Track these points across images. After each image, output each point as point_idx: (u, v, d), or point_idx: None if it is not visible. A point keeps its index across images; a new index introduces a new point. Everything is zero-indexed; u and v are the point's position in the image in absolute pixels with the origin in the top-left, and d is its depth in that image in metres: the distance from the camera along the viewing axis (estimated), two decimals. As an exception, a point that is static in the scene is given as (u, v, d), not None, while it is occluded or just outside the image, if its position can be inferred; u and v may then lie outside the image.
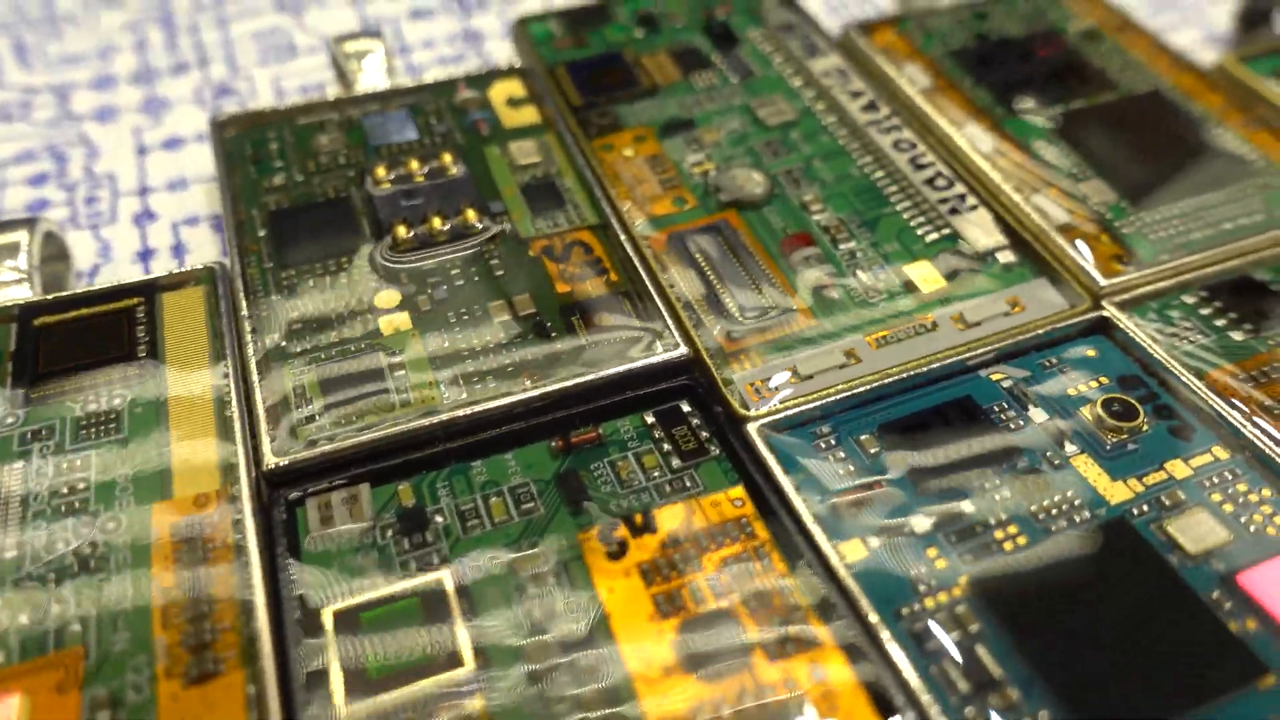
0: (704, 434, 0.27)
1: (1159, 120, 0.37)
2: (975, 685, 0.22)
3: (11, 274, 0.31)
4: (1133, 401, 0.27)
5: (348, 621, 0.23)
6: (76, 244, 0.35)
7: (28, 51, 0.43)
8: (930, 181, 0.35)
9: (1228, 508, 0.25)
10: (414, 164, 0.34)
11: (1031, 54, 0.40)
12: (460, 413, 0.27)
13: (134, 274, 0.34)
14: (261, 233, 0.32)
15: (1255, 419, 0.27)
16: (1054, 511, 0.25)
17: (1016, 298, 0.31)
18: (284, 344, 0.29)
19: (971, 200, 0.34)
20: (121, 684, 0.21)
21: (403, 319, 0.30)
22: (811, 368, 0.29)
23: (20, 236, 0.31)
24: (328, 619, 0.23)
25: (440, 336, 0.29)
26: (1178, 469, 0.26)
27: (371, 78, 0.39)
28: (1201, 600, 0.23)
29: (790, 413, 0.28)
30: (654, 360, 0.29)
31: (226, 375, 0.28)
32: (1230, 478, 0.26)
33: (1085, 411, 0.27)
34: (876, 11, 0.48)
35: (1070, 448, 0.27)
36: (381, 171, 0.34)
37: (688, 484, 0.26)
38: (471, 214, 0.33)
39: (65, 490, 0.25)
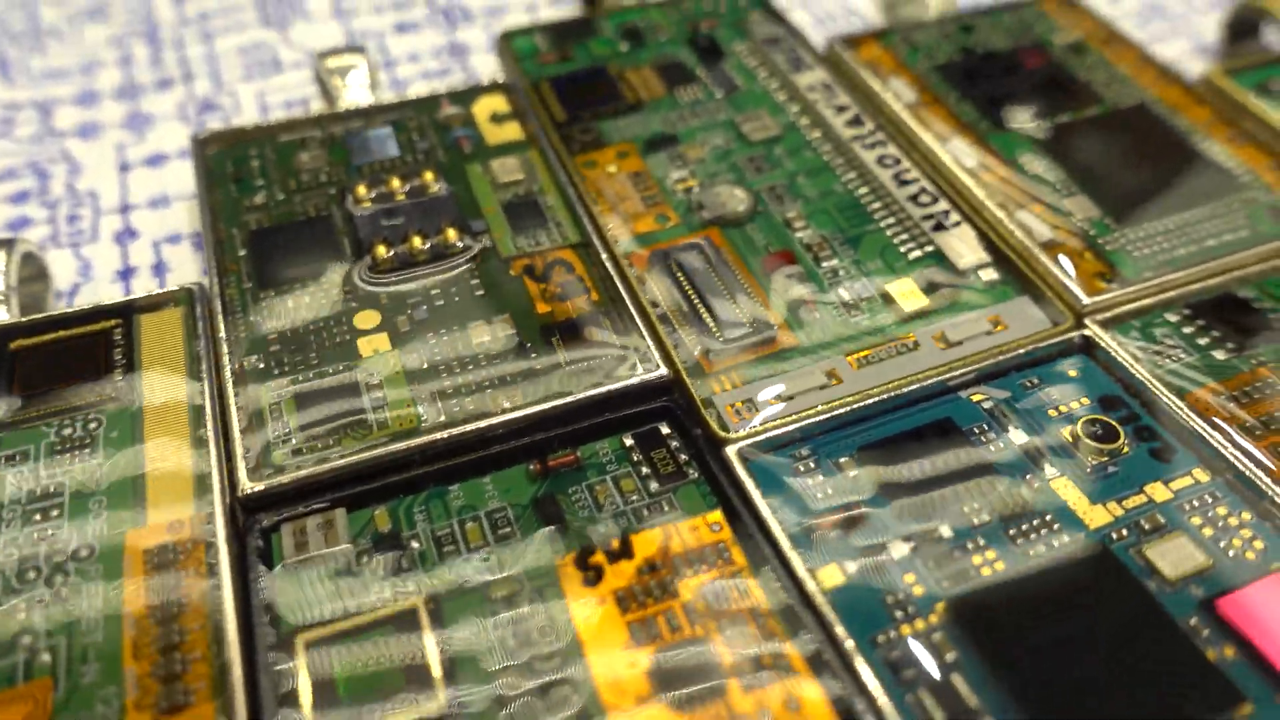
0: (683, 457, 0.27)
1: (1144, 134, 0.37)
2: (951, 715, 0.22)
3: (-11, 295, 0.30)
4: (1113, 423, 0.27)
5: (320, 650, 0.23)
6: (57, 263, 0.35)
7: (10, 66, 0.43)
8: (914, 198, 0.35)
9: (1207, 531, 0.25)
10: (395, 182, 0.34)
11: (1017, 67, 0.40)
12: (438, 435, 0.27)
13: (114, 293, 0.34)
14: (241, 252, 0.32)
15: (1236, 440, 0.27)
16: (1032, 536, 0.25)
17: (999, 316, 0.31)
18: (262, 366, 0.29)
19: (955, 216, 0.34)
20: (91, 716, 0.21)
21: (382, 340, 0.30)
22: (792, 388, 0.29)
23: (-2, 257, 0.31)
24: (300, 647, 0.23)
25: (419, 358, 0.29)
26: (1158, 492, 0.26)
27: (355, 93, 0.39)
28: (1179, 627, 0.23)
29: (770, 435, 0.27)
30: (633, 381, 0.28)
31: (203, 399, 0.27)
32: (1210, 500, 0.25)
33: (1066, 433, 0.27)
34: (864, 24, 0.48)
35: (1050, 470, 0.26)
36: (362, 190, 0.34)
37: (665, 508, 0.26)
38: (452, 233, 0.32)
39: (38, 517, 0.25)
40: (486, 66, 0.44)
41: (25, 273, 0.32)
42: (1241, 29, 0.45)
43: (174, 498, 0.25)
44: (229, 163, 0.35)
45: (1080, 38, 0.42)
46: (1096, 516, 0.25)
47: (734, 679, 0.22)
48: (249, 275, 0.32)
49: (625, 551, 0.25)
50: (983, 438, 0.27)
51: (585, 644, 0.23)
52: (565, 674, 0.23)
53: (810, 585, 0.24)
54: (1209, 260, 0.32)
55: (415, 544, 0.25)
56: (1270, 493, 0.25)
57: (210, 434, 0.26)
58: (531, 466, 0.27)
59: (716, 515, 0.26)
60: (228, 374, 0.28)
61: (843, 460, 0.27)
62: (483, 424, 0.27)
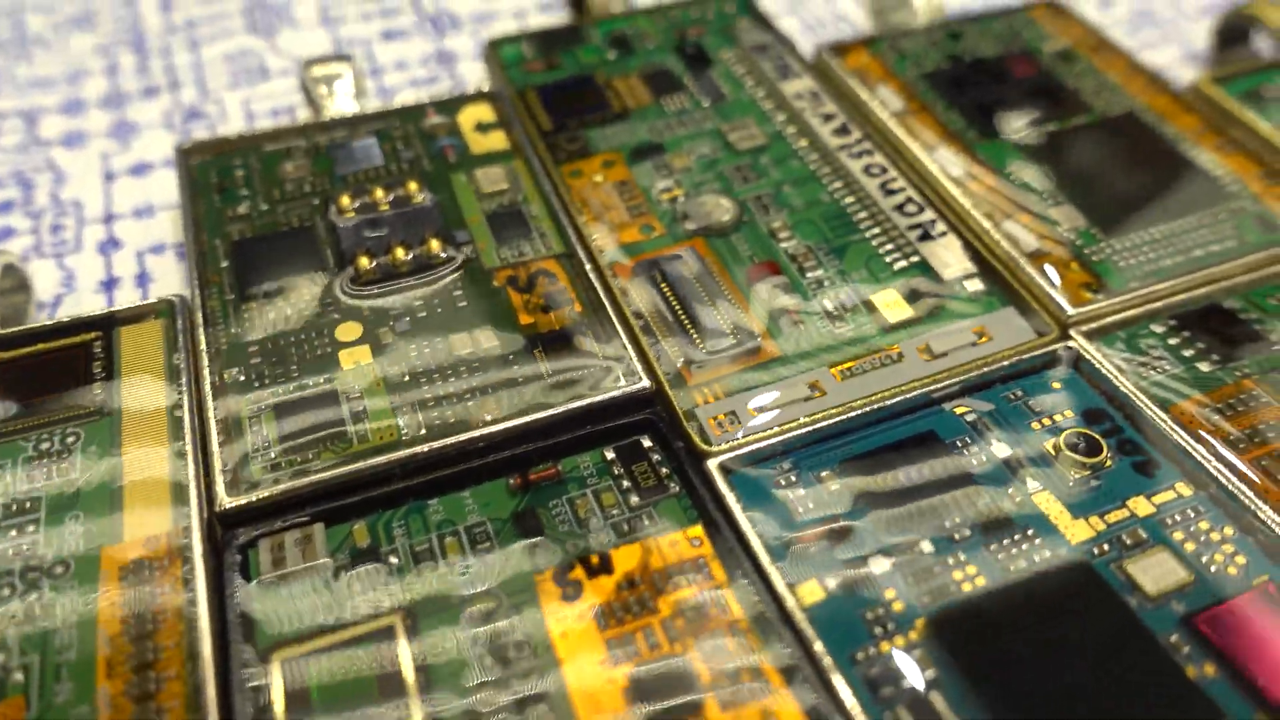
0: (664, 470, 0.27)
1: (1132, 143, 0.37)
2: (929, 733, 0.22)
3: (-31, 307, 0.30)
4: (1096, 437, 0.27)
5: (296, 667, 0.23)
6: (40, 273, 0.35)
7: (-3, 75, 0.43)
8: (900, 208, 0.35)
9: (1190, 546, 0.25)
10: (379, 192, 0.34)
11: (1005, 75, 0.40)
12: (418, 449, 0.27)
13: (97, 304, 0.34)
14: (224, 263, 0.32)
15: (1220, 454, 0.26)
16: (1014, 551, 0.25)
17: (984, 327, 0.31)
18: (242, 379, 0.29)
19: (941, 226, 0.34)
20: (64, 735, 0.21)
21: (363, 352, 0.30)
22: (775, 400, 0.29)
23: (-21, 269, 0.31)
24: (275, 666, 0.23)
25: (401, 370, 0.29)
26: (1140, 506, 0.26)
27: (340, 102, 0.39)
28: (1160, 644, 0.23)
29: (752, 448, 0.27)
30: (616, 394, 0.28)
31: (182, 412, 0.27)
32: (1193, 515, 0.25)
33: (1049, 446, 0.27)
34: (853, 30, 0.48)
35: (1033, 484, 0.26)
36: (346, 200, 0.34)
37: (646, 522, 0.26)
38: (435, 244, 0.32)
39: (13, 532, 0.25)
40: (474, 74, 0.44)
41: (6, 284, 0.32)
42: (1231, 36, 0.45)
43: (151, 512, 0.25)
44: (213, 173, 0.35)
45: (1069, 45, 0.42)
46: (1078, 531, 0.25)
47: (712, 696, 0.22)
48: (231, 287, 0.31)
49: (605, 567, 0.25)
50: (965, 451, 0.27)
51: (562, 661, 0.23)
52: (542, 690, 0.22)
53: (789, 601, 0.24)
54: (1195, 270, 0.32)
55: (394, 559, 0.25)
56: (1253, 507, 0.25)
57: (189, 448, 0.26)
58: (512, 480, 0.27)
59: (697, 530, 0.26)
60: (207, 387, 0.28)
61: (824, 474, 0.27)
62: (464, 437, 0.27)
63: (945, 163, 0.36)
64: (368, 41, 0.45)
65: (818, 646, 0.23)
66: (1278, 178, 0.35)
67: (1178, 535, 0.25)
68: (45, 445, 0.26)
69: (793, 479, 0.27)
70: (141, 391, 0.28)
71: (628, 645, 0.23)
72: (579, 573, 0.25)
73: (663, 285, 0.32)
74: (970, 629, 0.23)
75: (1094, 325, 0.31)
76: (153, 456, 0.26)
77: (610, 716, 0.22)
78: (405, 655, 0.23)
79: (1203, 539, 0.25)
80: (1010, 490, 0.26)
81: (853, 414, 0.28)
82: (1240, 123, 0.38)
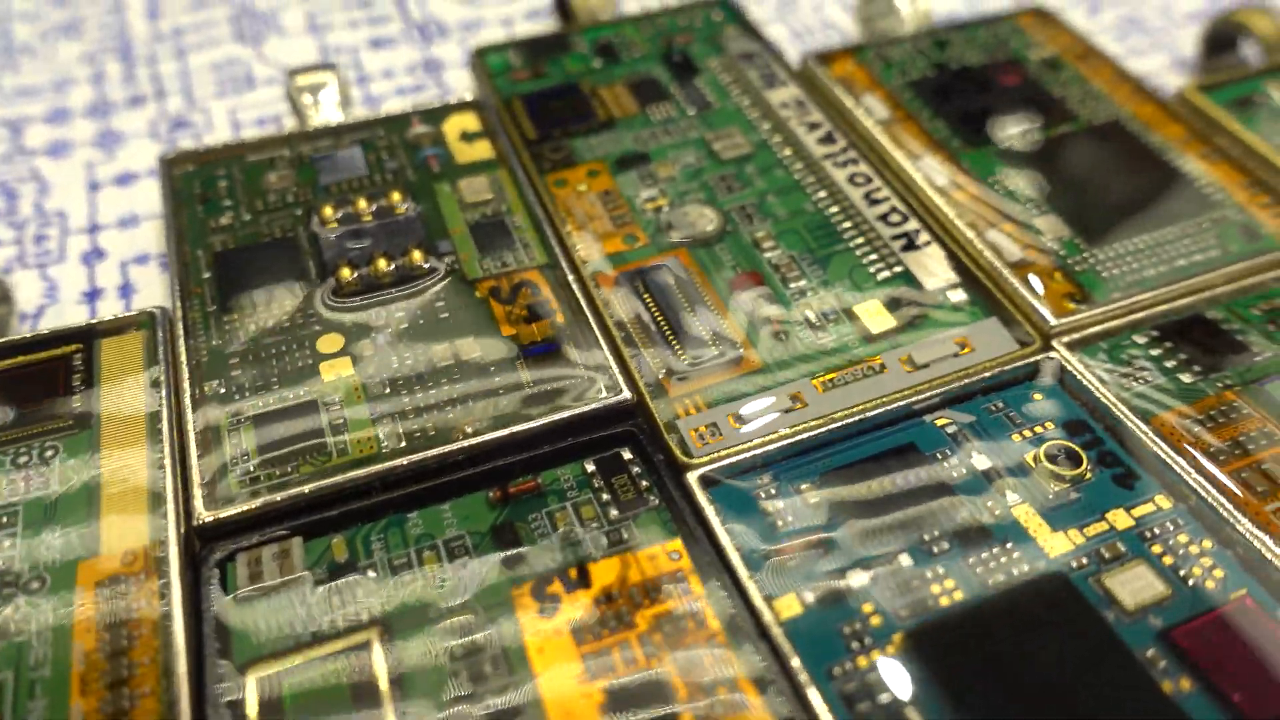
0: (644, 483, 0.27)
1: (1118, 152, 0.37)
2: (905, 749, 0.22)
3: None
4: (1077, 449, 0.27)
5: (271, 683, 0.23)
6: (23, 284, 0.35)
7: (-16, 84, 0.43)
8: (884, 217, 0.35)
9: (1168, 560, 0.25)
10: (362, 203, 0.34)
11: (991, 83, 0.40)
12: (398, 462, 0.27)
13: (80, 316, 0.34)
14: (206, 274, 0.32)
15: (1200, 466, 0.26)
16: (992, 565, 0.25)
17: (966, 338, 0.31)
18: (223, 391, 0.29)
19: (925, 236, 0.34)
20: (37, 753, 0.21)
21: (344, 364, 0.30)
22: (757, 412, 0.29)
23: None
24: (251, 684, 0.23)
25: (382, 383, 0.29)
26: (1119, 519, 0.26)
27: (325, 112, 0.39)
28: (1136, 659, 0.23)
29: (732, 460, 0.27)
30: (597, 406, 0.28)
31: (161, 425, 0.27)
32: (1172, 528, 0.25)
33: (1029, 458, 0.27)
34: (841, 38, 0.48)
35: (1012, 497, 0.26)
36: (328, 211, 0.34)
37: (625, 536, 0.26)
38: (418, 255, 0.32)
39: (-9, 548, 0.25)
40: (461, 82, 0.44)
41: (-12, 296, 0.32)
42: (1219, 43, 0.45)
43: (128, 526, 0.25)
44: (196, 183, 0.35)
45: (1056, 53, 0.42)
46: (1057, 544, 0.25)
47: (688, 711, 0.22)
48: (213, 298, 0.31)
49: (583, 581, 0.25)
50: (945, 463, 0.27)
51: (538, 675, 0.23)
52: (517, 704, 0.22)
53: (766, 615, 0.24)
54: (1179, 280, 0.32)
55: (372, 573, 0.25)
56: (1231, 520, 0.25)
57: (167, 462, 0.26)
58: (491, 494, 0.27)
59: (676, 544, 0.26)
60: (187, 400, 0.28)
61: (804, 486, 0.27)
62: (444, 450, 0.27)
63: (930, 172, 0.36)
64: (355, 49, 0.45)
65: (794, 661, 0.23)
66: (1262, 187, 0.35)
67: (1156, 548, 0.25)
68: (23, 458, 0.26)
69: (773, 491, 0.27)
70: (121, 404, 0.28)
71: (604, 659, 0.23)
72: (557, 587, 0.25)
73: (645, 296, 0.32)
74: (947, 643, 0.23)
75: (1076, 336, 0.31)
76: (131, 470, 0.26)
77: (586, 733, 0.22)
78: (381, 670, 0.23)
79: (1181, 552, 0.25)
80: (990, 503, 0.26)
81: (833, 426, 0.28)
82: (1226, 131, 0.38)
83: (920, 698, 0.22)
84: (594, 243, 0.34)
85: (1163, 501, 0.26)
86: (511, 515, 0.26)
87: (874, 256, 0.33)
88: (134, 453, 0.27)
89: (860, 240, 0.34)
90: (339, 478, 0.26)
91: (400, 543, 0.26)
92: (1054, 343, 0.30)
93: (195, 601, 0.24)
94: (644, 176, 0.36)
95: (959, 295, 0.32)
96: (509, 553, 0.25)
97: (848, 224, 0.35)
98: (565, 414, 0.28)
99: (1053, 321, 0.31)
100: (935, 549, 0.25)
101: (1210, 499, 0.25)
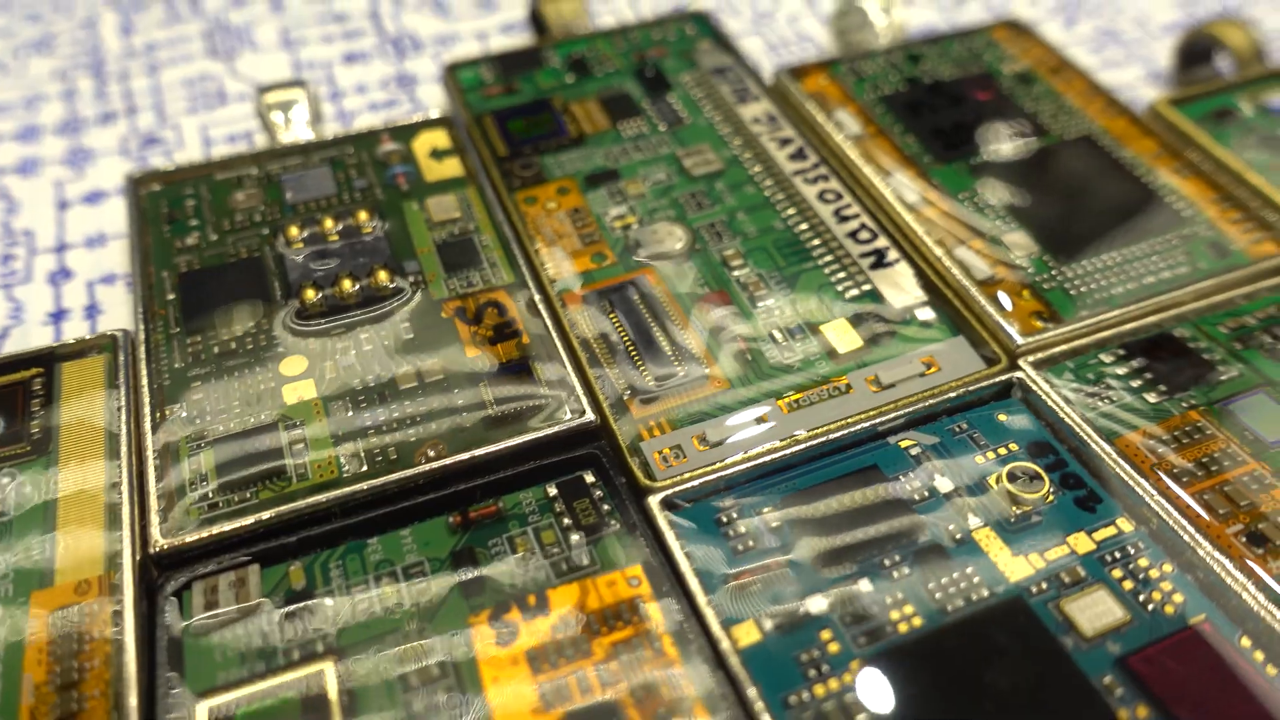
0: (605, 507, 0.27)
1: (1088, 168, 0.37)
2: (860, 779, 0.21)
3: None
4: (1039, 471, 0.27)
5: (224, 714, 0.23)
6: (-11, 305, 0.35)
7: (-46, 101, 0.42)
8: (853, 234, 0.35)
9: (1128, 585, 0.25)
10: (328, 223, 0.34)
11: (963, 98, 0.40)
12: (359, 487, 0.27)
13: (45, 337, 0.34)
14: (171, 295, 0.32)
15: (1162, 488, 0.26)
16: (952, 591, 0.25)
17: (932, 357, 0.31)
18: (184, 415, 0.28)
19: (894, 254, 0.34)
20: (-15, 788, 0.21)
21: (307, 387, 0.29)
22: (721, 434, 0.29)
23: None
24: (203, 713, 0.22)
25: (344, 406, 0.29)
26: (1080, 543, 0.25)
27: (295, 129, 0.39)
28: (1093, 686, 0.22)
29: (694, 484, 0.27)
30: (559, 429, 0.28)
31: (119, 451, 0.27)
32: (1133, 552, 0.25)
33: (992, 481, 0.27)
34: (817, 50, 0.48)
35: (974, 520, 0.26)
36: (294, 231, 0.34)
37: (585, 561, 0.26)
38: (383, 275, 0.32)
39: (-56, 578, 0.24)
40: (434, 97, 0.44)
41: (-49, 318, 0.32)
42: (1193, 55, 0.45)
43: (84, 555, 0.25)
44: (163, 202, 0.35)
45: (1029, 67, 0.42)
46: (1017, 569, 0.25)
47: (643, 742, 0.22)
48: (176, 320, 0.31)
49: (541, 608, 0.25)
50: (908, 485, 0.27)
51: (493, 705, 0.23)
52: (473, 738, 0.22)
53: (724, 644, 0.23)
54: (1147, 298, 0.32)
55: (329, 600, 0.25)
56: (1192, 543, 0.25)
57: (124, 488, 0.26)
58: (452, 518, 0.27)
59: (636, 570, 0.25)
60: (147, 425, 0.28)
61: (767, 510, 0.27)
62: (405, 474, 0.27)
63: (900, 188, 0.36)
64: (329, 64, 0.45)
65: (750, 691, 0.23)
66: (1232, 202, 0.35)
67: (1117, 573, 0.25)
68: (-20, 486, 0.26)
69: (734, 515, 0.26)
70: (80, 429, 0.28)
71: (560, 688, 0.23)
72: (515, 614, 0.24)
73: (612, 316, 0.32)
74: (903, 672, 0.23)
75: (1043, 355, 0.30)
76: (88, 497, 0.26)
77: (540, 763, 0.22)
78: (335, 698, 0.23)
79: (1142, 576, 0.25)
80: (951, 527, 0.26)
81: (797, 449, 0.28)
82: (1197, 145, 0.38)
83: (876, 727, 0.22)
84: (562, 261, 0.34)
85: (1124, 525, 0.26)
86: (471, 540, 0.26)
87: (842, 275, 0.33)
88: (92, 478, 0.27)
89: (829, 258, 0.34)
90: (298, 503, 0.26)
91: (359, 569, 0.26)
92: (1020, 362, 0.30)
93: (150, 630, 0.24)
94: (613, 194, 0.36)
95: (927, 314, 0.32)
96: (468, 579, 0.25)
97: (817, 241, 0.34)
98: (528, 437, 0.28)
99: (1019, 340, 0.30)
100: (895, 574, 0.25)
101: (1172, 522, 0.25)
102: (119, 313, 0.34)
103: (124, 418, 0.28)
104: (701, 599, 0.24)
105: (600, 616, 0.24)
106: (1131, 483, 0.26)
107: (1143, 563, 0.25)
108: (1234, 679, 0.22)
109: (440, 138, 0.38)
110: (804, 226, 0.35)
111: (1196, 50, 0.45)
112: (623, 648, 0.24)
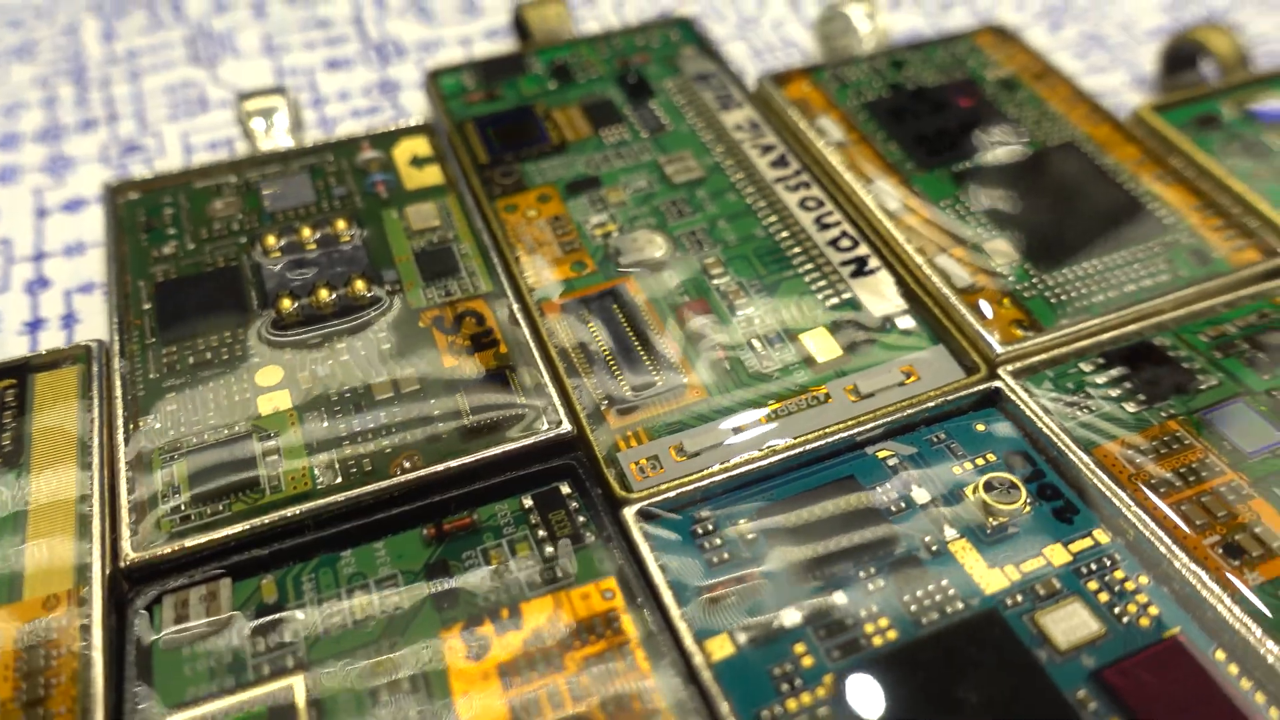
0: (580, 519, 0.27)
1: (1070, 175, 0.37)
2: (831, 795, 0.21)
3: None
4: (1016, 482, 0.27)
5: (193, 731, 0.22)
6: (-35, 314, 0.34)
7: (-66, 108, 0.42)
8: (834, 242, 0.35)
9: (1103, 597, 0.24)
10: (306, 231, 0.34)
11: (946, 105, 0.40)
12: (333, 498, 0.27)
13: (20, 347, 0.33)
14: (147, 305, 0.32)
15: (1139, 499, 0.26)
16: (927, 603, 0.24)
17: (912, 366, 0.31)
18: (157, 426, 0.28)
19: (874, 262, 0.34)
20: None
21: (282, 398, 0.29)
22: (698, 444, 0.28)
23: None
24: (171, 730, 0.22)
25: (320, 417, 0.29)
26: (1056, 554, 0.25)
27: (276, 136, 0.38)
28: (1066, 700, 0.22)
29: (670, 495, 0.27)
30: (536, 440, 0.28)
31: (91, 464, 0.27)
32: (1109, 564, 0.25)
33: (968, 491, 0.27)
34: (802, 56, 0.47)
35: (950, 532, 0.26)
36: (271, 240, 0.33)
37: (559, 574, 0.26)
38: (361, 284, 0.32)
39: (-88, 592, 0.24)
40: (417, 104, 0.44)
41: (-75, 328, 0.32)
42: (1178, 61, 0.45)
43: (53, 569, 0.25)
44: (141, 211, 0.35)
45: (1012, 73, 0.42)
46: (993, 581, 0.25)
47: (614, 758, 0.22)
48: (152, 330, 0.31)
49: (514, 621, 0.25)
50: (884, 497, 0.27)
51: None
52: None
53: (697, 659, 0.23)
54: (1128, 306, 0.32)
55: (300, 614, 0.25)
56: (1169, 555, 0.25)
57: (95, 501, 0.26)
58: (426, 531, 0.27)
59: (610, 582, 0.25)
60: (120, 437, 0.28)
61: (743, 522, 0.26)
62: (379, 486, 0.27)
63: (882, 195, 0.36)
64: (311, 71, 0.45)
65: (723, 706, 0.22)
66: (1215, 209, 0.35)
67: (1092, 585, 0.25)
68: (-50, 499, 0.26)
69: (710, 527, 0.26)
70: (52, 440, 0.28)
71: (531, 702, 0.23)
72: (487, 628, 0.24)
73: (590, 325, 0.32)
74: (876, 686, 0.23)
75: (1023, 364, 0.30)
76: (58, 509, 0.26)
77: (510, 780, 0.22)
78: (304, 713, 0.23)
79: (1117, 589, 0.25)
80: (927, 538, 0.26)
81: (774, 459, 0.28)
82: (1180, 152, 0.38)
83: (848, 742, 0.22)
84: (542, 270, 0.34)
85: (1101, 536, 0.26)
86: (445, 553, 0.26)
87: (823, 283, 0.33)
88: (63, 490, 0.26)
89: (809, 266, 0.34)
90: (271, 516, 0.26)
91: (331, 582, 0.25)
92: (999, 371, 0.30)
93: (120, 645, 0.24)
94: (594, 201, 0.36)
95: (907, 322, 0.32)
96: (441, 591, 0.25)
97: (797, 249, 0.34)
98: (504, 448, 0.28)
99: (999, 349, 0.30)
100: (870, 586, 0.25)
101: (1149, 533, 0.25)
102: (96, 322, 0.34)
103: (97, 429, 0.28)
104: (675, 612, 0.24)
105: (573, 630, 0.24)
106: (1109, 493, 0.26)
107: (1119, 575, 0.25)
108: (1208, 692, 0.22)
109: (421, 145, 0.38)
110: (785, 234, 0.35)
111: (1181, 56, 0.45)
112: (595, 661, 0.24)
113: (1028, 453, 0.28)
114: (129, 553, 0.25)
